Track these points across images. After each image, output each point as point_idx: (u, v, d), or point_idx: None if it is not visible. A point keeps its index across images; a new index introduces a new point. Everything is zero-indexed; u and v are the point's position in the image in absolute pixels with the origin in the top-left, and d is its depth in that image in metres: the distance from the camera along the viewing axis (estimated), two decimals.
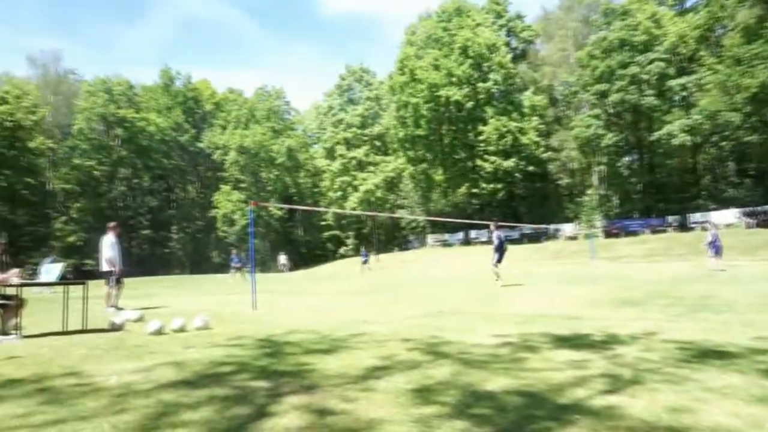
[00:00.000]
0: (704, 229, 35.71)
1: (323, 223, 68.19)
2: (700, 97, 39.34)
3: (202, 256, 60.04)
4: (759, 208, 34.18)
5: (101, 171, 55.08)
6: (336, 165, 59.54)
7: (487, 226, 47.86)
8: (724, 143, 42.06)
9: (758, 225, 32.53)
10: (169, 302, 12.33)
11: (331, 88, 65.02)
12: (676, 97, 39.17)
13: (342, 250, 67.59)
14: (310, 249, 66.88)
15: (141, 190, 58.42)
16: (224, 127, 59.90)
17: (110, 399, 3.43)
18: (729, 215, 35.62)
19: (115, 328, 6.95)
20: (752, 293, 9.71)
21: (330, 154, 62.14)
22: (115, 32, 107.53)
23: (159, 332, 6.44)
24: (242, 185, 58.64)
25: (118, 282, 10.40)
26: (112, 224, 10.59)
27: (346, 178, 58.62)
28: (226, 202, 56.93)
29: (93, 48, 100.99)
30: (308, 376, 4.00)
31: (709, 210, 38.66)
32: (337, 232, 69.25)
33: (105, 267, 10.24)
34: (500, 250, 13.94)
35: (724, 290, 10.42)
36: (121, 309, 9.98)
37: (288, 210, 57.68)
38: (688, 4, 44.41)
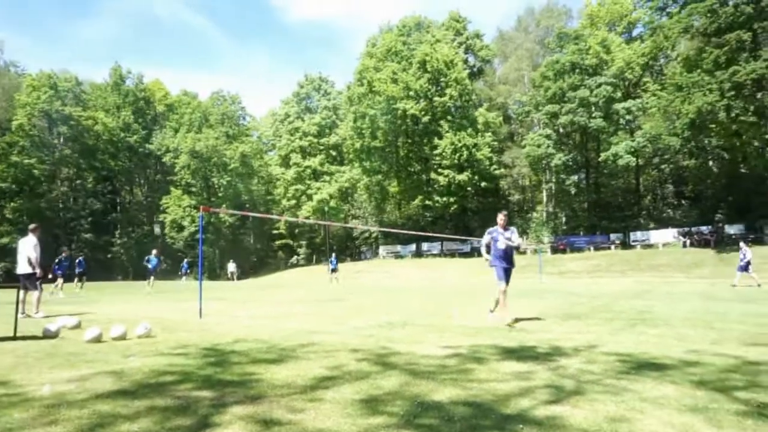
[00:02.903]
0: (647, 246, 37.34)
1: (275, 231, 67.31)
2: (644, 121, 41.36)
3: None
4: (694, 229, 36.11)
5: (41, 170, 52.42)
6: (290, 173, 58.99)
7: (439, 239, 48.26)
8: (664, 166, 44.34)
9: (692, 245, 34.35)
10: (109, 309, 11.83)
11: (288, 95, 64.56)
12: (622, 120, 40.99)
13: (294, 259, 66.94)
14: (260, 257, 65.87)
15: (84, 192, 55.96)
16: (176, 130, 58.31)
17: (41, 410, 3.25)
18: (667, 235, 37.47)
19: (49, 335, 6.60)
20: (686, 309, 10.22)
21: (285, 161, 61.51)
22: (63, 26, 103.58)
23: (97, 340, 6.17)
24: (193, 190, 57.19)
25: (40, 286, 10.00)
26: (33, 226, 10.21)
27: (300, 187, 58.13)
28: (176, 207, 55.33)
29: (39, 41, 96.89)
30: (254, 386, 3.92)
31: (649, 229, 40.53)
32: (289, 241, 68.54)
33: (26, 269, 9.74)
34: (504, 260, 8.49)
35: (662, 306, 10.92)
36: (37, 314, 9.53)
37: (239, 217, 56.58)
38: (635, 33, 46.74)
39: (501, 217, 8.75)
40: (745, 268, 17.98)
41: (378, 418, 3.09)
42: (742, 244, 19.53)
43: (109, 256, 56.05)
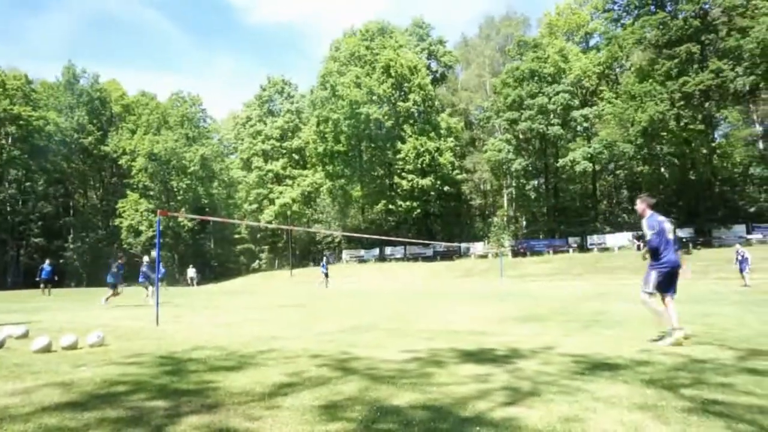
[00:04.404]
0: (603, 249, 38.41)
1: (236, 236, 66.24)
2: (600, 128, 42.68)
3: (103, 267, 56.05)
4: None
5: None
6: (252, 177, 58.21)
7: (402, 243, 48.41)
8: (619, 172, 45.85)
9: None
10: (60, 317, 11.37)
11: (250, 98, 63.75)
12: (579, 127, 42.18)
13: (255, 264, 66.00)
14: (221, 262, 64.69)
15: (34, 194, 53.68)
16: (133, 132, 56.71)
17: None
18: (622, 238, 38.70)
19: None
20: (642, 310, 10.52)
21: (246, 165, 60.68)
22: (12, 21, 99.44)
23: (46, 350, 5.92)
24: (150, 193, 55.68)
25: None
26: None
27: (262, 191, 57.43)
28: (132, 211, 53.76)
29: None
30: (211, 394, 3.84)
31: (605, 233, 41.76)
32: (250, 246, 67.57)
33: None
34: (661, 256, 6.14)
35: (617, 307, 11.26)
36: None
37: (199, 221, 55.45)
38: (591, 43, 48.30)
39: (640, 203, 6.57)
40: (744, 268, 18.55)
41: (336, 424, 3.08)
42: (738, 246, 20.14)
43: (61, 261, 53.94)
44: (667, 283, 6.16)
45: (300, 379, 4.34)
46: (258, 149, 59.12)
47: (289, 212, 55.63)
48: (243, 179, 60.03)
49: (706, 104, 34.78)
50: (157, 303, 9.71)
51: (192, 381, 4.30)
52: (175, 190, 56.07)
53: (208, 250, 63.09)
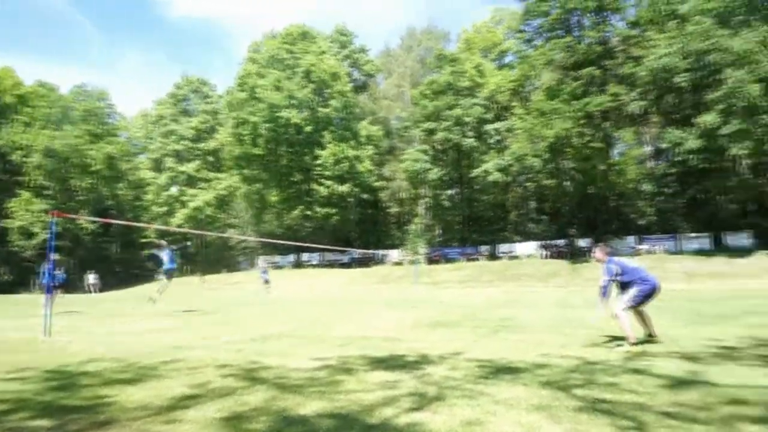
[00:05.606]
0: (513, 257, 40.28)
1: (144, 240, 62.72)
2: (512, 142, 44.82)
3: None
4: (553, 242, 39.71)
5: None
6: (163, 178, 55.46)
7: (319, 250, 47.82)
8: (528, 184, 48.33)
9: (551, 256, 37.74)
10: None
11: (163, 96, 60.83)
12: (492, 140, 44.02)
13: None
14: (126, 268, 60.90)
15: None
16: (28, 125, 52.20)
17: None
18: (530, 247, 40.76)
19: None
20: (544, 316, 11.17)
21: (157, 166, 57.72)
22: None
23: None
24: (46, 193, 51.44)
25: None
26: None
27: (173, 193, 54.82)
28: (24, 211, 49.36)
29: None
30: (104, 410, 3.60)
31: (514, 242, 43.79)
32: None
33: None
34: (640, 281, 6.63)
35: (523, 314, 11.82)
36: None
37: (103, 224, 51.93)
38: (506, 61, 50.76)
39: (598, 252, 7.28)
40: None
41: None
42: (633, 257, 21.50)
43: None
44: (642, 301, 6.65)
45: (204, 390, 4.17)
46: (170, 149, 56.46)
47: (201, 216, 53.51)
48: (153, 180, 57.02)
49: (605, 124, 37.59)
50: (49, 312, 8.95)
51: (83, 396, 4.01)
52: (75, 189, 52.18)
53: (111, 255, 59.24)
